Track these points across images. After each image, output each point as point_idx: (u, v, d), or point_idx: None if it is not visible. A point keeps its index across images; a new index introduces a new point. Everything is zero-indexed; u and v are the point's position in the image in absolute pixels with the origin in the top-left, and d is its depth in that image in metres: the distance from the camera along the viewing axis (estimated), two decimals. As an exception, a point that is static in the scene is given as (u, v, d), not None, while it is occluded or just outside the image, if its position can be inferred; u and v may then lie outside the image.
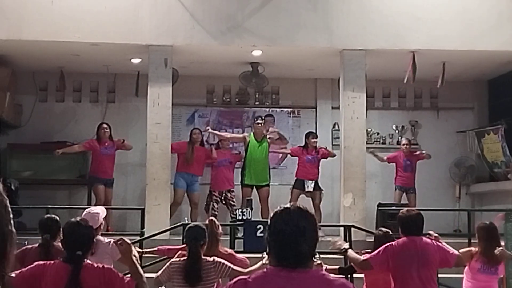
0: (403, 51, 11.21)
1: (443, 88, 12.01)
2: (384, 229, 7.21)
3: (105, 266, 4.53)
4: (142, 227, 10.22)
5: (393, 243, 6.15)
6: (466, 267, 6.96)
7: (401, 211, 6.36)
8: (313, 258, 2.87)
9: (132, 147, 12.34)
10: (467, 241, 9.80)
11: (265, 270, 2.85)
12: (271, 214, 2.89)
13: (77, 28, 10.72)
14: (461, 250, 6.73)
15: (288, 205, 2.88)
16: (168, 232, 10.10)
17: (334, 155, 12.37)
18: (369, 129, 13.19)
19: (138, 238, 9.61)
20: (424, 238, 6.18)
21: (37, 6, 10.71)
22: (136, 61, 12.08)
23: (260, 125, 12.14)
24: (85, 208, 11.97)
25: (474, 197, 13.87)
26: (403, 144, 12.89)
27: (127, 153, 13.40)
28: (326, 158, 12.57)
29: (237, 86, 13.58)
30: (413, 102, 14.12)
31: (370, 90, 12.96)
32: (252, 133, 12.29)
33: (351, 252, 6.38)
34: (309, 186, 12.21)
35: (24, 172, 12.79)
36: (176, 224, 9.78)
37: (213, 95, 13.83)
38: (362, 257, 6.21)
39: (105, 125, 12.15)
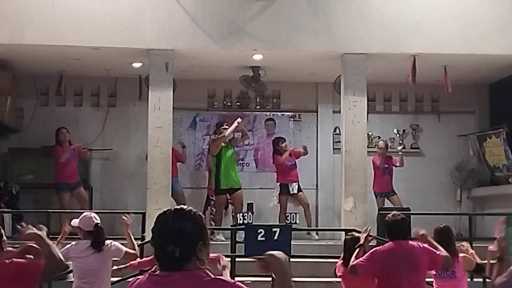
0: (404, 55, 11.22)
1: (444, 92, 12.01)
2: (356, 234, 7.21)
3: (14, 260, 4.47)
4: (143, 231, 10.21)
5: (379, 247, 6.14)
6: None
7: (387, 216, 6.34)
8: (196, 260, 2.81)
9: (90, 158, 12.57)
10: (468, 245, 9.74)
11: (147, 275, 2.85)
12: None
13: (78, 32, 10.73)
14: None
15: (176, 207, 2.89)
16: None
17: (306, 153, 12.46)
18: (370, 133, 13.18)
19: (139, 242, 9.60)
20: (411, 242, 6.14)
21: (39, 10, 10.72)
22: (137, 65, 12.09)
23: (224, 130, 11.86)
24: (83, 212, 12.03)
25: (475, 201, 13.86)
26: (380, 148, 12.81)
27: (128, 157, 13.42)
28: (298, 157, 12.57)
29: (238, 90, 13.58)
30: (414, 106, 14.12)
31: (371, 94, 12.96)
32: None
33: (354, 253, 6.39)
34: (294, 188, 12.29)
35: (25, 176, 12.79)
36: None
37: (214, 99, 13.83)
38: (352, 263, 6.19)
39: (64, 130, 12.21)
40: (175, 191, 12.16)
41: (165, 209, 2.88)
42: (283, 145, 12.48)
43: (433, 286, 6.84)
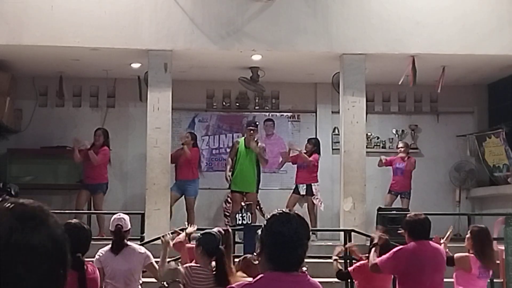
0: (403, 55, 11.22)
1: (443, 92, 12.02)
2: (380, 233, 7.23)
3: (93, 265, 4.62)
4: (142, 231, 10.22)
5: (403, 247, 6.11)
6: (458, 272, 6.82)
7: (408, 215, 6.32)
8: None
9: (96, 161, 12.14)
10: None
11: (262, 275, 2.83)
12: (268, 216, 2.88)
13: (77, 33, 10.73)
14: (457, 255, 6.70)
15: (286, 210, 2.89)
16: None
17: (307, 161, 12.37)
18: (369, 134, 13.19)
19: (138, 243, 9.60)
20: (432, 242, 6.15)
21: (37, 11, 10.72)
22: (136, 65, 12.09)
23: (252, 131, 11.74)
24: (85, 213, 12.05)
25: (474, 201, 13.86)
26: (399, 147, 12.88)
27: (127, 158, 13.43)
28: (302, 162, 12.51)
29: (237, 90, 13.58)
30: (413, 106, 14.13)
31: (370, 94, 12.96)
32: (242, 139, 12.01)
33: (372, 252, 6.41)
34: (302, 190, 12.28)
35: (24, 177, 12.77)
36: (176, 229, 9.77)
37: (213, 99, 13.83)
38: (373, 261, 6.20)
39: (98, 131, 12.11)
40: (187, 194, 12.07)
41: (283, 211, 2.88)
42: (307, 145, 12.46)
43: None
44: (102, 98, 13.57)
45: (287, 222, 2.83)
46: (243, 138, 12.03)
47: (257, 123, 12.28)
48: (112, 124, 13.46)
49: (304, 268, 2.95)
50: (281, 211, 2.89)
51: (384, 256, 6.11)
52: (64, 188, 12.78)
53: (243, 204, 11.93)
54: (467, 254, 6.83)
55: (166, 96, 11.04)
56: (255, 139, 11.80)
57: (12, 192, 12.03)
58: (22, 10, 10.70)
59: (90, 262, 4.83)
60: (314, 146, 12.56)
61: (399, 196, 12.77)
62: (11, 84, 12.19)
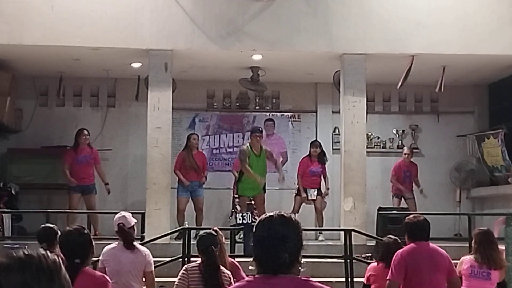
0: (403, 55, 11.22)
1: (444, 92, 12.03)
2: (393, 237, 7.20)
3: (101, 274, 4.57)
4: (142, 231, 10.22)
5: (399, 251, 6.14)
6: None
7: (408, 217, 6.34)
8: (298, 265, 2.87)
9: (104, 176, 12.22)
10: (467, 245, 9.76)
11: (250, 278, 2.89)
12: (256, 222, 2.92)
13: (77, 32, 10.73)
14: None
15: (272, 213, 2.92)
16: (168, 237, 10.11)
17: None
18: (369, 133, 13.18)
19: (139, 242, 9.60)
20: (431, 244, 6.17)
21: (38, 11, 10.73)
22: (136, 65, 12.09)
23: (258, 138, 11.57)
24: (85, 213, 12.05)
25: (475, 201, 13.86)
26: (405, 154, 12.85)
27: (127, 157, 13.44)
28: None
29: (237, 90, 13.59)
30: (413, 106, 14.13)
31: (370, 94, 12.97)
32: (249, 145, 11.73)
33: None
34: (312, 194, 12.24)
35: (25, 177, 12.78)
36: (177, 229, 9.80)
37: (213, 99, 13.84)
38: (387, 282, 6.17)
39: (86, 132, 12.08)
40: (197, 194, 12.07)
41: (268, 215, 2.91)
42: (312, 150, 12.30)
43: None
44: (103, 98, 13.58)
45: (269, 226, 2.87)
46: (249, 144, 11.76)
47: (261, 128, 12.18)
48: (113, 124, 13.48)
49: (302, 269, 2.93)
50: (266, 215, 2.93)
51: (391, 271, 6.11)
52: (64, 188, 12.76)
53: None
54: (462, 260, 6.92)
55: (166, 96, 11.04)
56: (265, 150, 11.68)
57: (13, 192, 12.04)
58: (22, 10, 10.70)
59: (98, 272, 4.75)
60: (321, 147, 12.48)
61: (401, 198, 12.77)
62: (12, 84, 12.19)
